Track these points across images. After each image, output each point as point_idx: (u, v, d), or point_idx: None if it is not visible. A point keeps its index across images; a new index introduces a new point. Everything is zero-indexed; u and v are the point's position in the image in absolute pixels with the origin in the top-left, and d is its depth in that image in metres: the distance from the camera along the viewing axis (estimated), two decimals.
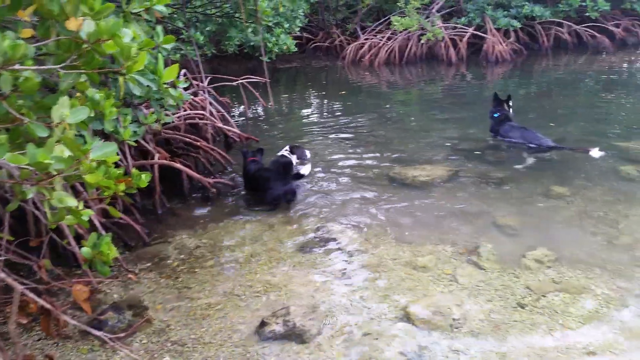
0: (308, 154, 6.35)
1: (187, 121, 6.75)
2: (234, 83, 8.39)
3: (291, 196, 5.50)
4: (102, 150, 1.93)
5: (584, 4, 13.94)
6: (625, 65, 13.18)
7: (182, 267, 4.38)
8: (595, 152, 6.17)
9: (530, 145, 6.74)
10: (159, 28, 3.37)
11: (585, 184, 5.57)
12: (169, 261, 4.51)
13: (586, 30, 14.69)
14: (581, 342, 3.20)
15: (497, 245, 4.42)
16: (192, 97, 7.12)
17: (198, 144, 6.18)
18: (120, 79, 2.79)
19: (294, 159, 6.13)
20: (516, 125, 7.03)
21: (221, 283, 4.06)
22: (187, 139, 6.19)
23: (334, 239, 4.64)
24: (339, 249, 4.52)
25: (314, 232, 4.81)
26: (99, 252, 2.59)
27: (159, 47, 3.46)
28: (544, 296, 3.69)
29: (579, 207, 5.08)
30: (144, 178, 2.62)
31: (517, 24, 14.26)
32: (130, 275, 4.10)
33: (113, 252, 2.66)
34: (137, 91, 2.87)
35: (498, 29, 14.29)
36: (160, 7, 3.05)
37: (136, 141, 5.14)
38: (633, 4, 14.04)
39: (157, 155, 5.62)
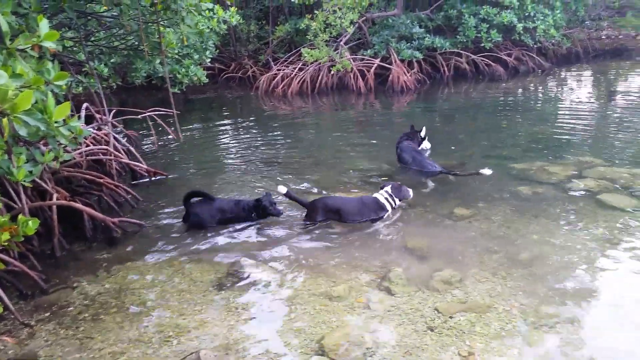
0: (411, 192, 5.88)
1: (90, 157, 6.42)
2: (140, 116, 8.12)
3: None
4: None
5: (479, 35, 15.08)
6: (519, 91, 14.32)
7: (84, 315, 4.09)
8: (486, 171, 6.56)
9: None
10: (50, 64, 3.19)
11: (486, 205, 5.92)
12: (69, 309, 4.20)
13: (482, 60, 15.86)
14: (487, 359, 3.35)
15: (407, 269, 4.55)
16: (94, 131, 6.80)
17: (101, 181, 5.88)
18: (4, 119, 2.61)
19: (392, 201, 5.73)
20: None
21: (127, 330, 3.83)
22: (89, 177, 5.87)
23: (248, 275, 4.55)
24: (253, 284, 4.43)
25: (227, 268, 4.69)
26: None
27: (51, 83, 3.28)
28: (451, 317, 3.83)
29: (481, 227, 5.37)
30: (32, 225, 2.43)
31: (419, 55, 15.12)
32: (4, 338, 3.73)
33: None
34: (23, 132, 2.69)
35: (402, 60, 15.05)
36: (49, 44, 2.90)
37: (33, 181, 4.80)
38: (521, 36, 15.37)
39: (55, 195, 5.27)
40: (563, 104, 12.30)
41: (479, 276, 4.41)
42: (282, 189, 5.70)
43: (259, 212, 5.64)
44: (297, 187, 6.72)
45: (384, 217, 5.69)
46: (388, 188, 5.77)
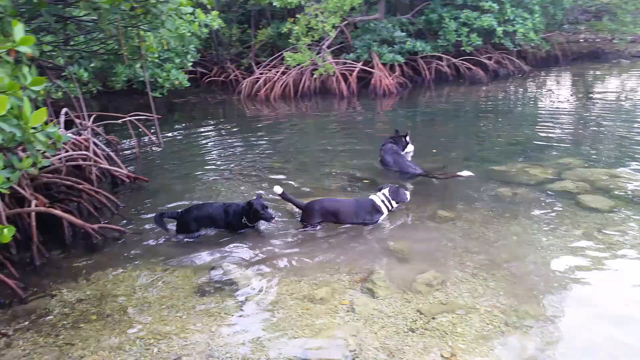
0: (408, 195, 5.80)
1: (69, 163, 6.33)
2: (120, 121, 8.04)
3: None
4: None
5: (459, 39, 15.25)
6: (499, 94, 14.49)
7: (64, 323, 4.03)
8: (465, 173, 6.61)
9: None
10: (26, 69, 3.15)
11: (467, 207, 5.97)
12: (48, 317, 4.13)
13: (463, 63, 16.03)
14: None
15: (390, 271, 4.57)
16: (73, 137, 6.71)
17: (80, 187, 5.80)
18: None
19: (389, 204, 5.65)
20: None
21: (108, 337, 3.78)
22: (68, 182, 5.79)
23: (230, 279, 4.53)
24: (235, 289, 4.40)
25: (208, 273, 4.66)
26: None
27: (27, 89, 3.23)
28: (433, 318, 3.85)
29: (463, 229, 5.42)
30: (7, 233, 2.39)
31: (401, 58, 15.23)
32: None
33: None
34: None
35: (384, 64, 15.14)
36: (25, 48, 2.86)
37: (10, 187, 4.72)
38: (501, 39, 15.56)
39: (34, 202, 5.19)
40: (542, 107, 12.48)
41: (460, 277, 4.44)
42: (278, 189, 5.63)
43: (250, 216, 5.38)
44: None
45: (379, 220, 5.67)
46: (385, 190, 5.70)
